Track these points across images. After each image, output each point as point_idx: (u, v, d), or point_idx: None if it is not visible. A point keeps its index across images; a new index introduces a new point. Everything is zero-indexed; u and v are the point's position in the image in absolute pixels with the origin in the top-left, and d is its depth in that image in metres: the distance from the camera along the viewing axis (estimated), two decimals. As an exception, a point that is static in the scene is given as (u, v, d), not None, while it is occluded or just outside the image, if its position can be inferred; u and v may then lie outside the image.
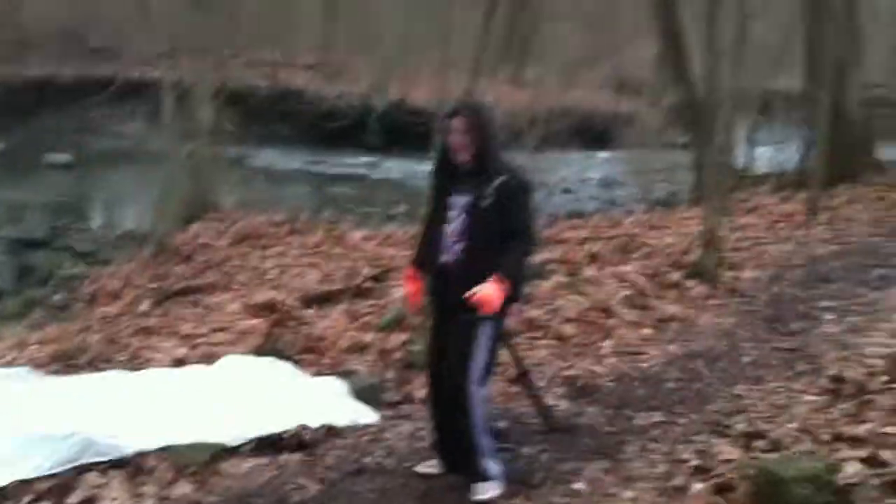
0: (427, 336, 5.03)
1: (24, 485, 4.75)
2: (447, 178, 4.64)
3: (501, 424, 5.66)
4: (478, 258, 4.44)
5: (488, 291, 4.33)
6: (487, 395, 4.74)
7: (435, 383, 4.78)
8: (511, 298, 4.60)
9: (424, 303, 5.01)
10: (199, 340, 7.72)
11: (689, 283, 8.82)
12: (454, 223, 4.54)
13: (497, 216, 4.42)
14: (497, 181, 4.41)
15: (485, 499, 4.58)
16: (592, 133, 24.09)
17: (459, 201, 4.53)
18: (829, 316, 7.93)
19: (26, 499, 4.67)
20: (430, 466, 4.98)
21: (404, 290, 5.01)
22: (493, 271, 4.37)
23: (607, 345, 7.22)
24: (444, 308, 4.70)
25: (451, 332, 4.60)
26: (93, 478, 4.83)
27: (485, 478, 4.62)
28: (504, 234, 4.43)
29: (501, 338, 4.75)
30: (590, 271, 9.31)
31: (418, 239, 5.02)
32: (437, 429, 4.85)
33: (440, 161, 4.69)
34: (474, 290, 4.32)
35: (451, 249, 4.54)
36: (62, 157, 21.88)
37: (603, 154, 23.05)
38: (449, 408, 4.64)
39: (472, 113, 4.55)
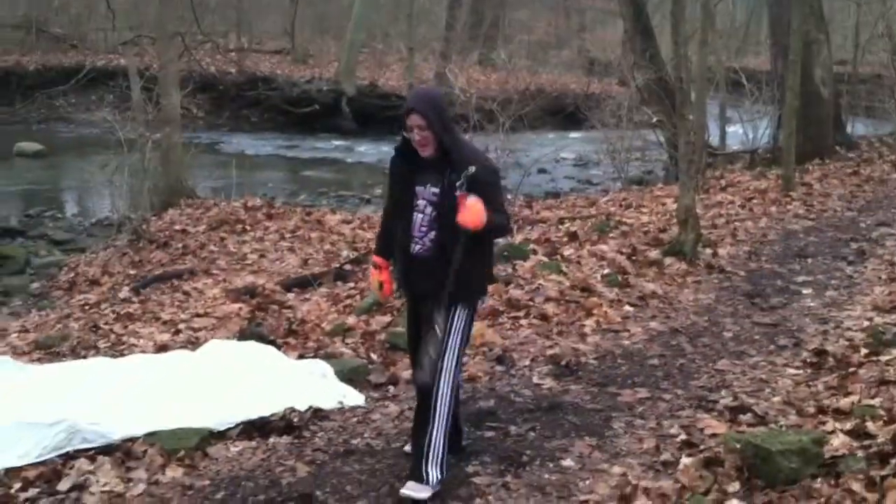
0: (406, 322, 5.03)
1: (12, 472, 4.73)
2: (410, 168, 4.57)
3: (488, 404, 5.70)
4: (449, 248, 4.41)
5: (477, 205, 4.25)
6: (459, 383, 4.71)
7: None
8: (481, 290, 4.64)
9: (396, 290, 4.99)
10: (180, 326, 7.70)
11: (668, 260, 8.88)
12: (423, 214, 4.51)
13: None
14: (467, 171, 4.32)
15: (413, 496, 4.49)
16: (565, 113, 24.15)
17: (427, 192, 4.50)
18: (807, 290, 8.03)
19: (16, 486, 4.65)
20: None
21: (373, 279, 4.91)
22: (466, 259, 4.36)
23: (589, 323, 7.26)
24: (418, 298, 4.70)
25: (425, 322, 4.57)
26: (82, 464, 4.81)
27: (422, 480, 4.52)
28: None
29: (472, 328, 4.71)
30: (569, 251, 9.36)
31: (380, 228, 4.99)
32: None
33: (403, 153, 4.60)
34: (465, 200, 4.26)
35: (422, 240, 4.53)
36: (32, 146, 21.64)
37: (576, 134, 23.10)
38: (420, 397, 4.60)
39: (428, 107, 4.41)
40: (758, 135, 17.25)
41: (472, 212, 4.25)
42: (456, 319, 4.51)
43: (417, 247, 4.53)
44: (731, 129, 19.12)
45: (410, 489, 4.50)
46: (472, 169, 4.33)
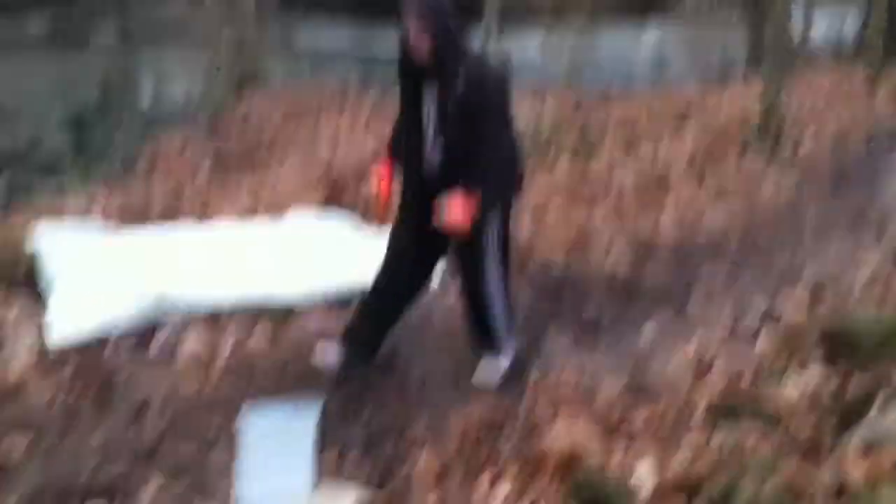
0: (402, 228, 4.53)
1: (101, 340, 4.84)
2: (415, 70, 4.10)
3: (565, 277, 5.73)
4: (455, 169, 4.06)
5: (455, 215, 3.93)
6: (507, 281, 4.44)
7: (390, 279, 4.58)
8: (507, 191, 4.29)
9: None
10: (259, 207, 7.77)
11: (748, 154, 8.71)
12: (429, 127, 4.11)
13: (468, 123, 3.96)
14: (461, 86, 3.92)
15: (487, 380, 4.39)
16: (641, 4, 23.51)
17: (430, 99, 4.07)
18: (892, 182, 7.85)
19: (107, 352, 4.76)
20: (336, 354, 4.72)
21: (373, 181, 4.48)
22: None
23: (668, 212, 7.18)
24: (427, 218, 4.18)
25: (455, 251, 4.34)
26: (170, 330, 4.92)
27: (497, 351, 4.43)
28: (478, 139, 4.00)
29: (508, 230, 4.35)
30: (646, 144, 9.21)
31: (395, 125, 4.46)
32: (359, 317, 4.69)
33: (403, 53, 4.13)
34: (441, 214, 3.96)
35: (429, 159, 4.16)
36: (108, 36, 21.86)
37: (654, 27, 22.53)
38: (470, 302, 4.44)
39: (422, 8, 3.94)
40: (844, 30, 16.69)
41: (452, 213, 3.92)
42: (483, 241, 4.19)
43: (427, 166, 4.18)
44: (816, 23, 18.49)
45: (484, 372, 4.43)
46: (462, 85, 3.92)
